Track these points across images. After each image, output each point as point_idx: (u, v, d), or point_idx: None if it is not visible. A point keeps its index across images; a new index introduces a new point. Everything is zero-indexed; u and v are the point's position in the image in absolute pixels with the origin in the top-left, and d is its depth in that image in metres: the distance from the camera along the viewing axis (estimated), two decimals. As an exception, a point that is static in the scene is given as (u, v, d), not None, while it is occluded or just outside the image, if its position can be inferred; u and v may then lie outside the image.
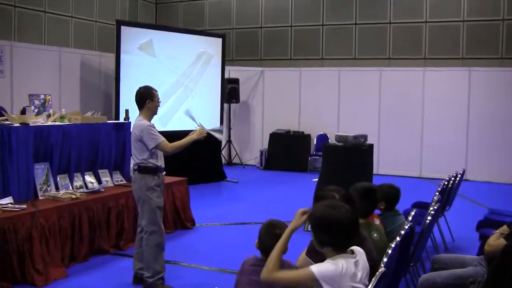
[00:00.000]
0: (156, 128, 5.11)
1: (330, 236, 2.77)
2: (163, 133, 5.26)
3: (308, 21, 13.77)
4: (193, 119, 5.34)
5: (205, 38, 11.88)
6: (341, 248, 2.81)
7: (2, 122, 5.72)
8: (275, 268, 2.87)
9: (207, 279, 5.52)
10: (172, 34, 11.34)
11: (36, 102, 6.31)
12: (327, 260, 2.78)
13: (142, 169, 5.04)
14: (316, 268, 2.73)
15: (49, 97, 6.52)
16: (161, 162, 5.14)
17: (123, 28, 10.29)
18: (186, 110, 5.61)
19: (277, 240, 3.16)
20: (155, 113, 5.20)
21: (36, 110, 6.25)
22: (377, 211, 4.79)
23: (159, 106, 5.20)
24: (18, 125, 5.70)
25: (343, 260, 2.75)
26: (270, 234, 3.20)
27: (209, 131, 5.22)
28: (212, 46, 11.78)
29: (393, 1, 12.80)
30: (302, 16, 13.84)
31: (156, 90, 5.19)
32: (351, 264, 2.77)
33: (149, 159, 5.03)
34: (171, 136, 5.34)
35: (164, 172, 7.14)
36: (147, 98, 5.09)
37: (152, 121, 5.17)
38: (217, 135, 5.34)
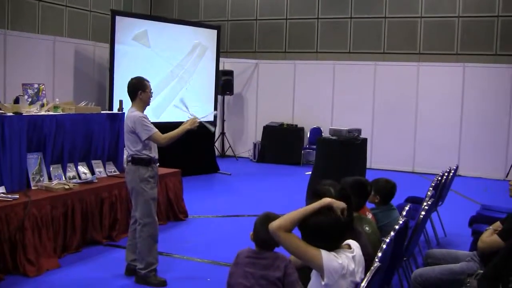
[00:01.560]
0: (149, 119, 5.09)
1: (318, 243, 2.75)
2: (157, 124, 5.24)
3: (303, 14, 13.75)
4: (187, 108, 5.32)
5: (200, 30, 11.82)
6: (332, 248, 2.79)
7: (-5, 111, 5.68)
8: (289, 228, 2.77)
9: (200, 271, 5.51)
10: (167, 25, 11.27)
11: (30, 91, 6.27)
12: (334, 253, 2.76)
13: (136, 161, 5.02)
14: (326, 256, 2.70)
15: (43, 86, 6.49)
16: (154, 154, 5.12)
17: (117, 18, 10.21)
18: (181, 99, 5.59)
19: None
20: (148, 104, 5.17)
21: (29, 100, 6.21)
22: (371, 205, 4.81)
23: (151, 97, 5.17)
24: (11, 114, 5.65)
25: (344, 256, 2.75)
26: (265, 226, 3.19)
27: (201, 121, 5.20)
28: (207, 38, 11.73)
29: (388, -5, 12.79)
30: (297, 9, 13.80)
31: (148, 81, 5.15)
32: (351, 260, 2.77)
33: (143, 150, 5.00)
34: (165, 127, 5.31)
35: (158, 164, 7.17)
36: (139, 89, 5.06)
37: (145, 112, 5.14)
38: (209, 126, 5.30)
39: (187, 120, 5.15)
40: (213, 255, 5.94)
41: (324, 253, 2.72)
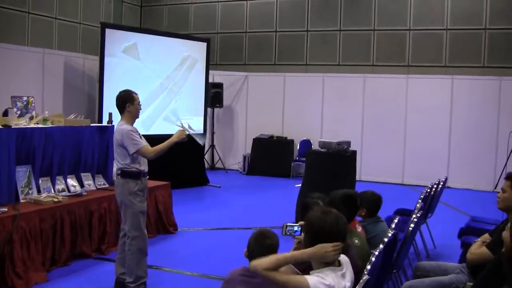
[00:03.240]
0: (139, 132, 5.09)
1: (318, 239, 2.73)
2: (146, 137, 5.25)
3: (292, 27, 13.83)
4: (179, 119, 5.31)
5: (190, 42, 11.86)
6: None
7: (-16, 124, 5.65)
8: (271, 269, 2.76)
9: (189, 285, 5.50)
10: (156, 37, 11.28)
11: (19, 104, 6.25)
12: (317, 274, 2.73)
13: (125, 174, 5.01)
14: (312, 281, 2.68)
15: (32, 99, 6.46)
16: (144, 167, 5.10)
17: (107, 31, 10.23)
18: (172, 110, 5.60)
19: (267, 250, 3.16)
20: (137, 117, 5.17)
21: (18, 112, 6.19)
22: (358, 218, 4.82)
23: (140, 109, 5.17)
24: (0, 127, 5.63)
25: (333, 274, 2.72)
26: (260, 244, 3.19)
27: (190, 133, 5.19)
28: (196, 50, 11.75)
29: (377, 8, 12.90)
30: (287, 22, 13.89)
31: (136, 94, 5.14)
32: (340, 278, 2.75)
33: (132, 163, 5.00)
34: (154, 140, 5.31)
35: (147, 177, 7.14)
36: (127, 102, 5.05)
37: (135, 125, 5.14)
38: (198, 138, 5.31)
39: (175, 133, 5.15)
40: (203, 268, 5.92)
41: (309, 278, 2.71)
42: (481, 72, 11.95)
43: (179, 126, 5.18)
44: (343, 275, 2.77)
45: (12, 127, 5.74)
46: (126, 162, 4.99)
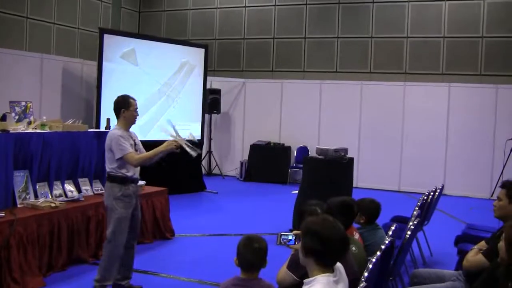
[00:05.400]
0: (134, 138, 5.11)
1: (319, 245, 2.71)
2: (144, 143, 5.25)
3: (290, 33, 13.87)
4: (174, 129, 5.23)
5: (188, 48, 11.89)
6: (324, 261, 2.74)
7: (-18, 128, 5.65)
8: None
9: (186, 290, 5.51)
10: (155, 43, 11.32)
11: (17, 109, 6.25)
12: (308, 285, 2.72)
13: (111, 178, 5.03)
14: None
15: (30, 104, 6.47)
16: (132, 173, 5.07)
17: (106, 36, 10.25)
18: (168, 120, 5.55)
19: (257, 254, 3.17)
20: (133, 123, 5.15)
21: (16, 117, 6.19)
22: (356, 225, 4.83)
23: (137, 115, 5.15)
24: (-3, 132, 5.64)
25: (324, 280, 2.70)
26: (249, 248, 3.20)
27: (182, 144, 5.04)
28: (194, 56, 11.79)
29: (375, 16, 12.96)
30: (284, 29, 13.93)
31: (134, 99, 5.13)
32: (332, 284, 2.72)
33: (118, 168, 4.99)
34: (151, 145, 5.27)
35: (144, 182, 7.14)
36: (121, 107, 5.06)
37: (133, 130, 5.15)
38: (190, 150, 5.05)
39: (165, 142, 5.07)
40: (199, 274, 5.92)
41: None
42: (477, 80, 12.01)
43: (173, 136, 5.10)
44: (336, 282, 2.75)
45: (10, 132, 5.74)
46: (113, 166, 4.99)
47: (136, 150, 5.09)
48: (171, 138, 5.11)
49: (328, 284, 2.69)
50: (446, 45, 12.36)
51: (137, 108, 5.15)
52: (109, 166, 5.02)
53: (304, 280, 2.74)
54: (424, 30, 12.53)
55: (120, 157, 4.93)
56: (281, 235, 3.22)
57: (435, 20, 12.42)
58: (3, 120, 6.16)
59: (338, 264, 2.86)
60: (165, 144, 5.00)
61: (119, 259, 5.08)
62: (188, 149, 5.04)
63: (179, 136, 5.11)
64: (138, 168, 5.21)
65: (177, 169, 10.52)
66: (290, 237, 3.21)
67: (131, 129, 5.23)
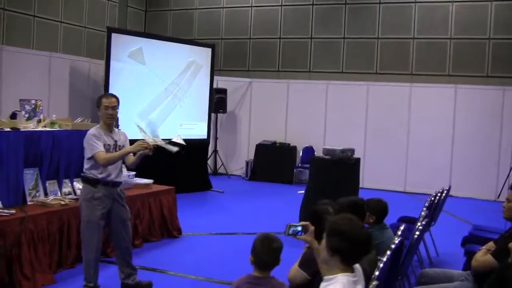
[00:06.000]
0: (121, 137, 5.05)
1: (346, 245, 2.71)
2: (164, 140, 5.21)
3: (296, 34, 13.89)
4: (143, 131, 5.18)
5: (195, 48, 11.92)
6: (350, 261, 2.76)
7: (-8, 126, 5.70)
8: None
9: (193, 288, 5.55)
10: (162, 42, 11.35)
11: (27, 107, 6.29)
12: (326, 285, 2.73)
13: (83, 179, 5.03)
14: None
15: (40, 102, 6.51)
16: (105, 175, 4.92)
17: (113, 35, 10.28)
18: (136, 123, 5.49)
19: (273, 254, 3.19)
20: (106, 122, 4.97)
21: (26, 115, 6.23)
22: (364, 225, 4.85)
23: (108, 113, 4.92)
24: (8, 129, 5.68)
25: (345, 279, 2.71)
26: (266, 248, 3.22)
27: (157, 144, 4.93)
28: (201, 56, 11.82)
29: (381, 16, 12.97)
30: (291, 29, 13.95)
31: (108, 98, 4.98)
32: (351, 284, 2.73)
33: (90, 169, 4.92)
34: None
35: (151, 181, 7.16)
36: (97, 106, 5.01)
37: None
38: (169, 147, 4.98)
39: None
40: (207, 272, 5.95)
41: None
42: (484, 82, 12.01)
43: (143, 136, 5.05)
44: (355, 282, 2.75)
45: (21, 130, 5.79)
46: (86, 167, 4.94)
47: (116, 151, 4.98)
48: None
49: (348, 283, 2.70)
50: (452, 47, 12.35)
51: (110, 107, 4.93)
52: (84, 167, 4.97)
53: (324, 277, 2.75)
54: (430, 31, 12.53)
55: (90, 156, 4.85)
56: (290, 225, 3.24)
57: (442, 21, 12.41)
58: (13, 118, 6.21)
59: (357, 265, 2.87)
60: (134, 145, 4.89)
61: (94, 263, 4.98)
62: (165, 146, 4.98)
63: (149, 137, 5.06)
64: (119, 171, 5.07)
65: (184, 168, 10.57)
66: (299, 228, 3.23)
67: (120, 130, 5.22)
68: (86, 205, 4.93)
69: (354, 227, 2.76)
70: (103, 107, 4.93)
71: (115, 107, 4.97)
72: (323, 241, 2.80)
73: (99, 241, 5.02)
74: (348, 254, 2.74)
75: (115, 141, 5.02)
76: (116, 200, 5.07)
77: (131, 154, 5.03)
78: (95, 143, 4.83)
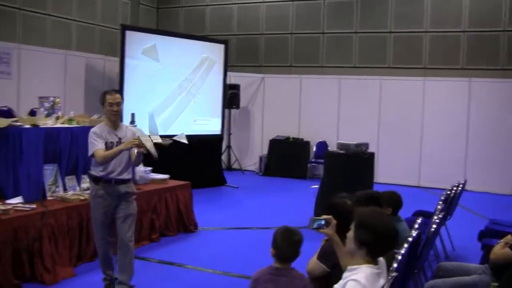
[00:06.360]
0: (129, 135, 4.90)
1: (374, 238, 2.76)
2: (165, 137, 5.24)
3: (308, 29, 13.89)
4: (139, 130, 5.09)
5: (208, 44, 11.96)
6: (376, 254, 2.81)
7: (13, 123, 5.79)
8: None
9: (210, 282, 5.60)
10: (175, 39, 11.41)
11: (46, 104, 6.40)
12: (350, 277, 2.74)
13: (88, 176, 5.05)
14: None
15: (58, 99, 6.62)
16: (107, 172, 4.83)
17: (127, 32, 10.35)
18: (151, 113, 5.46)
19: (294, 246, 3.23)
20: (110, 119, 4.90)
21: (45, 112, 6.33)
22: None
23: (112, 110, 4.83)
24: (28, 126, 5.78)
25: (368, 270, 2.75)
26: (287, 241, 3.26)
27: (151, 141, 4.78)
28: (214, 52, 11.87)
29: (393, 10, 12.92)
30: (303, 24, 13.95)
31: (112, 93, 4.87)
32: (375, 276, 2.77)
33: (93, 167, 4.91)
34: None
35: (168, 176, 7.23)
36: (101, 103, 4.92)
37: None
38: (152, 151, 4.77)
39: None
40: (223, 266, 6.02)
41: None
42: (499, 75, 11.93)
43: (139, 134, 4.96)
44: (378, 275, 2.80)
45: (40, 126, 5.88)
46: (91, 165, 4.95)
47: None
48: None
49: (372, 275, 2.75)
50: (466, 39, 12.27)
51: (115, 103, 4.83)
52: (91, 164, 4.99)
53: (348, 267, 2.81)
54: (443, 24, 12.46)
55: (90, 154, 4.81)
56: (314, 219, 3.28)
57: (455, 14, 12.32)
58: (31, 115, 6.31)
59: (381, 259, 2.90)
60: (125, 143, 4.77)
61: (103, 257, 5.04)
62: (151, 151, 4.76)
63: (143, 134, 4.98)
64: (124, 168, 4.91)
65: (199, 164, 10.66)
66: (322, 222, 3.28)
67: (130, 126, 5.21)
68: (91, 203, 4.96)
69: (383, 222, 2.81)
70: (107, 104, 4.83)
71: (119, 104, 4.88)
72: (350, 232, 2.85)
73: (103, 238, 4.99)
74: (375, 248, 2.79)
75: (120, 138, 4.89)
76: (121, 198, 4.93)
77: (135, 151, 4.85)
78: (95, 141, 4.76)
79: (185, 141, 5.35)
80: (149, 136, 4.90)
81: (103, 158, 4.72)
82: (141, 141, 4.71)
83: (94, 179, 4.89)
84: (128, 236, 4.95)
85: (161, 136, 5.12)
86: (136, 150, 4.80)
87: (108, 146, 4.81)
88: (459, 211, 8.77)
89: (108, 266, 5.10)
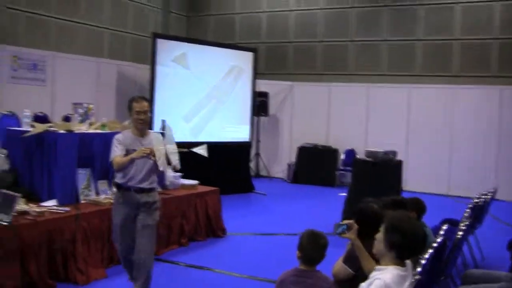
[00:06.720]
0: (155, 143, 4.74)
1: (404, 241, 2.84)
2: (194, 144, 5.33)
3: (336, 37, 13.92)
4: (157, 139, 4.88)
5: (237, 52, 12.10)
6: (405, 256, 2.89)
7: (49, 128, 5.98)
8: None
9: (237, 285, 5.71)
10: (205, 47, 11.56)
11: (80, 110, 6.59)
12: (377, 276, 2.82)
13: (112, 182, 5.09)
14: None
15: (92, 106, 6.80)
16: (126, 179, 4.75)
17: (158, 40, 10.55)
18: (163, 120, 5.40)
19: (320, 249, 3.30)
20: (137, 127, 4.83)
21: (79, 118, 6.52)
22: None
23: (140, 118, 4.75)
24: (63, 132, 5.96)
25: (395, 272, 2.82)
26: (313, 244, 3.33)
27: (161, 152, 4.69)
28: (243, 60, 11.98)
29: (423, 18, 12.88)
30: (331, 32, 13.99)
31: (138, 102, 4.79)
32: (400, 278, 2.84)
33: (115, 173, 4.87)
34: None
35: (197, 182, 7.33)
36: (128, 110, 4.86)
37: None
38: (160, 160, 4.68)
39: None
40: (251, 270, 6.10)
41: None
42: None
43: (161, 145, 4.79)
44: (404, 277, 2.86)
45: (75, 132, 6.06)
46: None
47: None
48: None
49: (398, 276, 2.82)
50: (497, 47, 12.15)
51: (142, 112, 4.76)
52: None
53: (376, 267, 2.88)
54: (474, 31, 12.35)
55: (110, 161, 4.80)
56: (338, 225, 3.36)
57: (486, 21, 12.22)
58: (66, 121, 6.50)
59: (408, 261, 2.97)
60: (137, 151, 4.62)
61: (123, 260, 5.03)
62: (158, 161, 4.67)
63: (161, 143, 4.81)
64: (146, 176, 4.78)
65: (228, 171, 10.77)
66: (345, 227, 3.35)
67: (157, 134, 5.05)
68: (113, 208, 4.98)
69: (413, 225, 2.89)
70: (134, 112, 4.75)
71: (146, 112, 4.80)
72: (379, 234, 2.92)
73: (122, 243, 4.91)
74: (404, 251, 2.87)
75: (143, 146, 4.72)
76: (140, 207, 4.79)
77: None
78: (116, 147, 4.73)
79: (205, 153, 5.20)
80: (164, 145, 4.81)
81: (117, 165, 4.69)
82: (153, 150, 4.61)
83: (116, 186, 4.91)
84: (141, 250, 4.78)
85: (187, 144, 5.19)
86: (138, 157, 4.64)
87: (130, 153, 4.70)
88: (489, 220, 8.68)
89: (131, 269, 5.07)
